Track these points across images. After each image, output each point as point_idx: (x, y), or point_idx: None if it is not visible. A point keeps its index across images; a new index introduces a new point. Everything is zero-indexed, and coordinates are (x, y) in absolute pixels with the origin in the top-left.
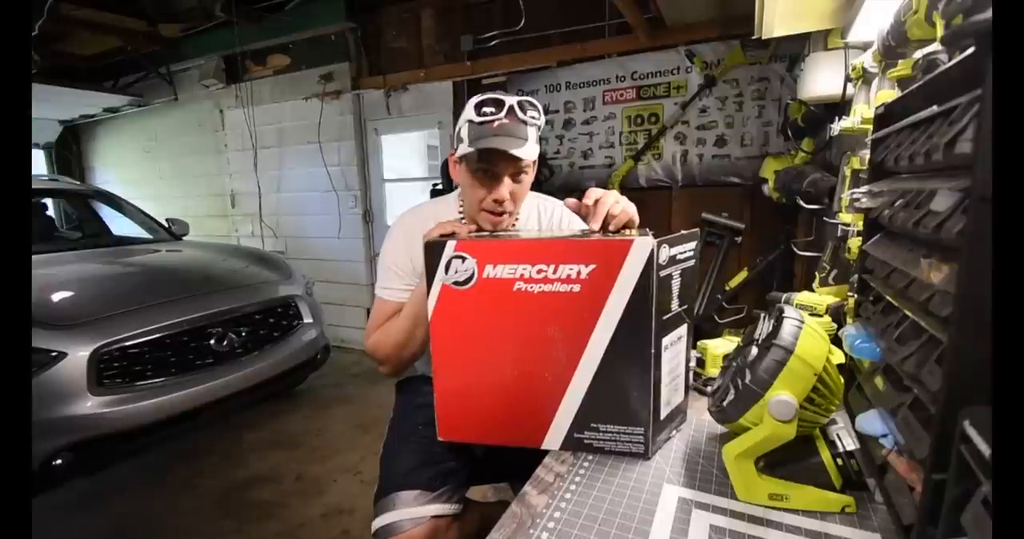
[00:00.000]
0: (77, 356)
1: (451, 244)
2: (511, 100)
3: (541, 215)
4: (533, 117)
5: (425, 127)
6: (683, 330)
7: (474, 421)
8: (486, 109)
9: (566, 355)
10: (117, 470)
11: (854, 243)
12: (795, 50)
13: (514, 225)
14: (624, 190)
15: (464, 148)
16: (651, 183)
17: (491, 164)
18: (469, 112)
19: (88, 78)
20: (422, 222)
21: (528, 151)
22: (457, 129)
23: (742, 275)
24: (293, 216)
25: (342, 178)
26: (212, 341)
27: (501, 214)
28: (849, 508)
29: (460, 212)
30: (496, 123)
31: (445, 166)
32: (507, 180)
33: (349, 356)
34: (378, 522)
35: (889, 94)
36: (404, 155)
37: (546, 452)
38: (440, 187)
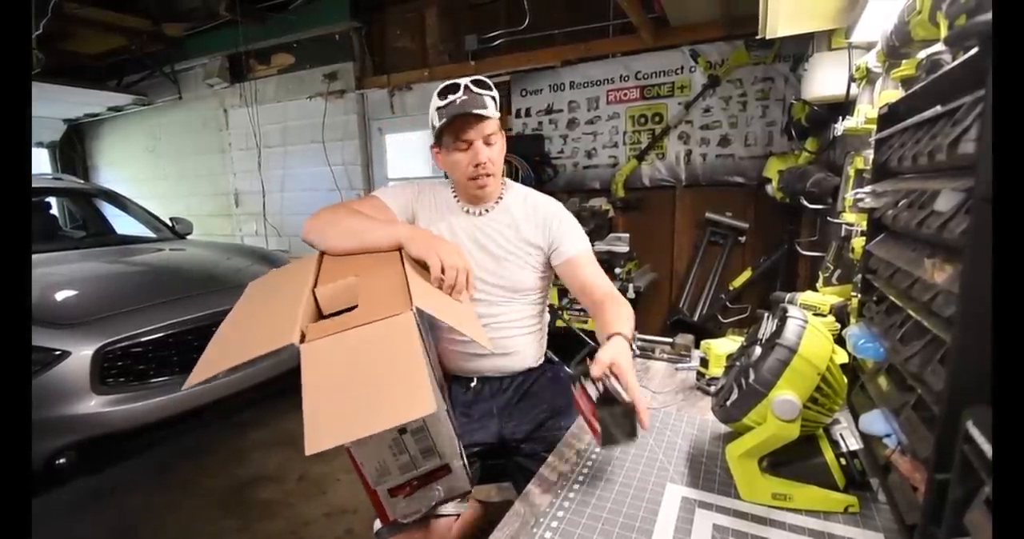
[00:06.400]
0: (80, 355)
1: None
2: (464, 81)
3: (526, 203)
4: (487, 89)
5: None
6: None
7: None
8: (446, 93)
9: None
10: (120, 469)
11: (858, 243)
12: (799, 50)
13: (499, 200)
14: (627, 190)
15: (438, 127)
16: (655, 183)
17: (463, 131)
18: (434, 101)
19: (92, 77)
20: (425, 190)
21: (490, 113)
22: (431, 123)
23: (746, 275)
24: (297, 215)
25: (346, 177)
26: None
27: (487, 177)
28: (852, 508)
29: (454, 195)
30: (458, 101)
31: None
32: (481, 145)
33: None
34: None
35: (893, 94)
36: (408, 154)
37: (549, 452)
38: None
